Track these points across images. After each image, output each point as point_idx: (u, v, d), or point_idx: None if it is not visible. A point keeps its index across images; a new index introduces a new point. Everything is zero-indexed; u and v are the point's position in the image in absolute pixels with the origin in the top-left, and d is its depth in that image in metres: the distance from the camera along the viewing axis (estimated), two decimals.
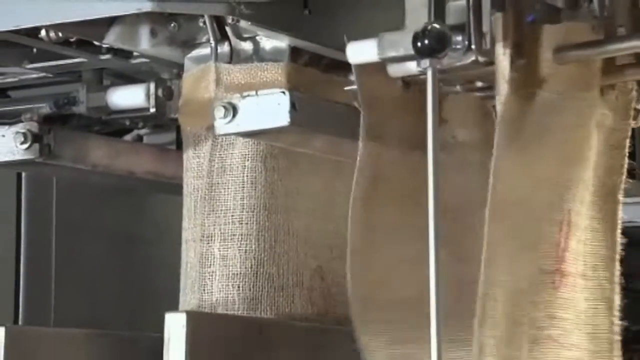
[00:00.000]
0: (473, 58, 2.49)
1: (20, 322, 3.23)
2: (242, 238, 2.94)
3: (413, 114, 2.68)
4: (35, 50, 3.03)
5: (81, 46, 2.95)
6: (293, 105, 2.61)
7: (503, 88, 2.55)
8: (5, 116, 3.20)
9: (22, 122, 2.91)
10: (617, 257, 2.73)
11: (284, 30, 2.78)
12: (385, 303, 2.74)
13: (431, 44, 2.50)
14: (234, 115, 2.65)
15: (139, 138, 3.22)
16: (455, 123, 2.75)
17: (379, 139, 2.70)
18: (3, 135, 2.93)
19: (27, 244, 3.34)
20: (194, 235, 2.96)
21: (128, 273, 3.50)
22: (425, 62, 2.50)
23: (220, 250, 2.99)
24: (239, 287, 2.94)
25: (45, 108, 3.03)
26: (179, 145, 3.02)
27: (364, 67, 2.61)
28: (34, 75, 3.22)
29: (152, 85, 2.98)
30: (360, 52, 2.55)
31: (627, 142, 2.77)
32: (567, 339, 2.64)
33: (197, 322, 2.63)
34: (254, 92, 2.66)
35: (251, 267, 2.94)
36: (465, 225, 2.64)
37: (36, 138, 2.91)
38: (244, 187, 2.94)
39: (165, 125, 3.16)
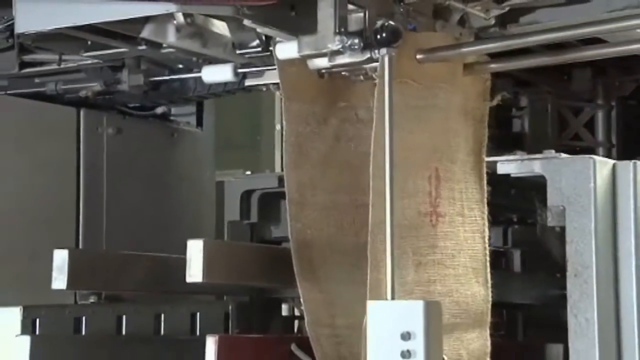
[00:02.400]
0: (368, 55, 2.60)
1: (80, 247, 3.27)
2: None
3: (326, 96, 2.76)
4: (89, 42, 3.00)
5: (124, 39, 2.96)
6: None
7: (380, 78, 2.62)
8: (67, 92, 3.27)
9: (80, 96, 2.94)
10: (485, 199, 2.82)
11: (275, 27, 2.73)
12: (318, 243, 2.76)
13: (388, 37, 2.59)
14: None
15: (168, 110, 3.24)
16: (358, 104, 2.81)
17: (299, 117, 2.75)
18: None
19: (85, 190, 3.36)
20: None
21: (162, 209, 3.50)
22: (383, 51, 2.58)
23: None
24: None
25: (97, 86, 3.08)
26: (199, 115, 3.04)
27: (286, 62, 2.70)
28: (89, 62, 3.23)
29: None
30: (285, 50, 2.68)
31: (487, 117, 2.85)
32: (451, 261, 2.72)
33: (212, 247, 2.61)
34: None
35: None
36: (363, 181, 2.65)
37: None
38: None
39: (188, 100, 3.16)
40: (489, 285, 2.78)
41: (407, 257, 2.52)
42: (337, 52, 2.56)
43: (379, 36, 2.60)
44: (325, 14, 2.55)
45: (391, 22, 2.61)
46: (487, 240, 2.78)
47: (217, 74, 3.07)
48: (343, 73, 2.73)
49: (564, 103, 3.71)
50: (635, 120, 3.71)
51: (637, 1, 2.62)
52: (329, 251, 2.71)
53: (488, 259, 2.78)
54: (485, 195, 2.80)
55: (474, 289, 2.76)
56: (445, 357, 2.47)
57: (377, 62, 2.57)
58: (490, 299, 2.79)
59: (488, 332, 2.77)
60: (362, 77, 2.76)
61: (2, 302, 2.93)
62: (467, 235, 2.74)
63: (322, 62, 2.63)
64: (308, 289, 2.64)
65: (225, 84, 3.21)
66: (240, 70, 3.04)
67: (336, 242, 2.72)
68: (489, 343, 2.78)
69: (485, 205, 2.79)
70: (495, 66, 2.84)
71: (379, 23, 2.62)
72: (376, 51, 2.56)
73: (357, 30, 2.57)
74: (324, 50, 2.56)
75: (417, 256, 2.62)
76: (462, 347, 2.73)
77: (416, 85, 2.65)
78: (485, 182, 2.80)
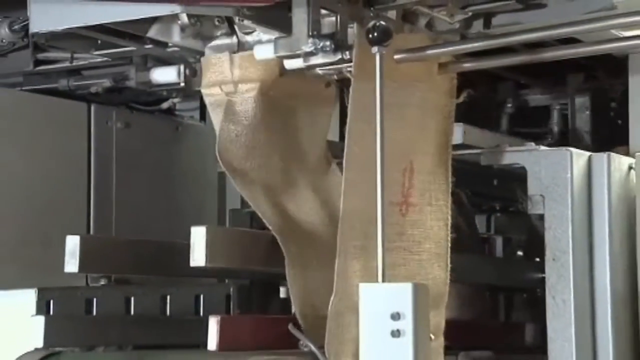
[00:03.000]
0: (340, 56, 2.63)
1: (91, 233, 3.27)
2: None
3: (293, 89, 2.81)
4: (99, 41, 2.98)
5: (132, 38, 2.94)
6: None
7: (355, 77, 2.64)
8: (78, 88, 3.26)
9: (91, 92, 2.93)
10: (450, 190, 2.84)
11: (273, 27, 2.72)
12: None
13: (379, 36, 2.57)
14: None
15: (173, 105, 3.23)
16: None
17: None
18: None
19: (96, 179, 3.35)
20: None
21: (167, 198, 3.49)
22: (375, 49, 2.56)
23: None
24: None
25: (106, 82, 3.07)
26: (202, 110, 3.04)
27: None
28: (99, 59, 3.22)
29: (182, 67, 2.97)
30: (262, 51, 2.72)
31: (453, 113, 2.86)
32: (417, 248, 2.74)
33: (214, 233, 2.60)
34: None
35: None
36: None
37: None
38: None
39: (192, 95, 3.13)
40: (449, 269, 2.80)
41: (375, 243, 2.49)
42: (310, 54, 2.58)
43: (370, 35, 2.58)
44: (299, 19, 2.59)
45: (382, 23, 2.59)
46: (449, 228, 2.80)
47: None
48: (319, 71, 2.76)
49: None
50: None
51: (610, 4, 2.63)
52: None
53: (449, 245, 2.80)
54: (450, 186, 2.81)
55: (435, 272, 2.78)
56: (432, 336, 2.49)
57: (349, 62, 2.60)
58: (448, 281, 2.81)
59: (444, 311, 2.80)
60: (335, 76, 2.80)
61: (19, 284, 2.96)
62: (432, 224, 2.77)
63: (297, 63, 2.66)
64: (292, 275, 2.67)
65: None
66: None
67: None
68: (443, 321, 2.80)
69: (450, 195, 2.81)
70: (469, 65, 2.86)
71: (371, 23, 2.60)
72: (347, 52, 2.61)
73: (329, 33, 2.61)
74: (298, 52, 2.59)
75: (386, 242, 2.55)
76: None
77: (394, 84, 2.65)
78: (450, 173, 2.82)
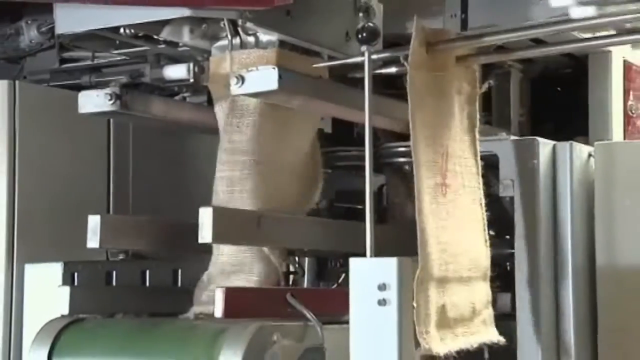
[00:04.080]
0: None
1: (110, 212, 3.26)
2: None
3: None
4: (118, 41, 2.97)
5: (146, 39, 2.94)
6: (280, 76, 2.59)
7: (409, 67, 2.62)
8: (99, 84, 3.25)
9: (109, 87, 2.88)
10: (480, 172, 2.84)
11: (274, 29, 2.75)
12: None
13: (368, 36, 2.60)
14: (242, 82, 2.61)
15: (183, 98, 3.20)
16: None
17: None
18: (97, 95, 2.86)
19: (114, 165, 3.33)
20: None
21: (179, 183, 3.46)
22: (363, 48, 2.58)
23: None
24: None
25: (124, 79, 3.02)
26: (209, 103, 2.98)
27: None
28: (117, 58, 3.23)
29: (191, 65, 2.94)
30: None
31: (477, 101, 2.86)
32: (460, 225, 2.73)
33: (220, 213, 2.58)
34: (255, 68, 2.63)
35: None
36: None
37: (118, 97, 2.83)
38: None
39: (200, 90, 3.09)
40: (488, 244, 2.81)
41: (431, 219, 2.52)
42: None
43: (359, 36, 2.60)
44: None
45: (370, 24, 2.61)
46: (483, 207, 2.80)
47: None
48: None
49: None
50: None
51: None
52: None
53: (485, 223, 2.79)
54: (480, 168, 2.81)
55: (479, 248, 2.78)
56: (415, 304, 2.51)
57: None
58: (489, 255, 2.81)
59: (489, 284, 2.81)
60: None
61: (46, 258, 2.96)
62: (468, 203, 2.76)
63: (588, 12, 2.47)
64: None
65: None
66: None
67: None
68: (490, 292, 2.82)
69: (480, 177, 2.81)
70: (483, 58, 2.88)
71: (361, 24, 2.61)
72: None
73: None
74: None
75: (439, 220, 2.61)
76: (474, 296, 2.76)
77: (429, 75, 2.64)
78: (479, 157, 2.81)
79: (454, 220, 2.70)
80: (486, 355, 2.81)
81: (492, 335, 2.78)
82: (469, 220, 2.76)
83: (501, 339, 2.80)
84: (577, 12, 2.50)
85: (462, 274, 2.68)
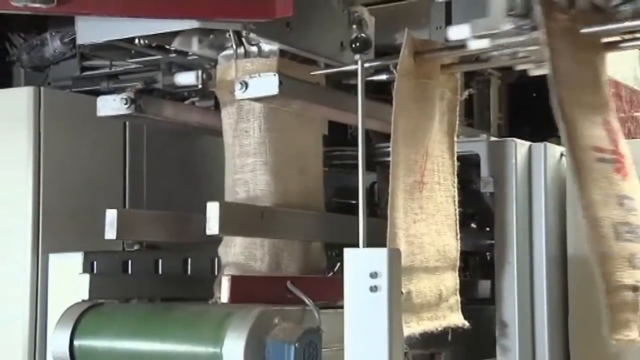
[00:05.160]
0: (534, 36, 2.38)
1: (126, 207, 3.24)
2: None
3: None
4: (133, 51, 2.96)
5: (159, 49, 2.93)
6: (280, 82, 2.57)
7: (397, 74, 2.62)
8: (116, 89, 3.23)
9: (125, 92, 2.87)
10: (456, 171, 2.84)
11: (275, 39, 2.73)
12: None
13: (361, 46, 2.60)
14: (246, 88, 2.59)
15: (192, 103, 3.18)
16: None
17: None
18: (114, 100, 2.85)
19: (130, 164, 3.30)
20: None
21: (190, 181, 3.44)
22: (357, 57, 2.58)
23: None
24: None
25: (139, 85, 2.98)
26: (217, 107, 2.96)
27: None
28: (133, 66, 3.22)
29: (200, 72, 2.95)
30: (457, 33, 2.59)
31: (458, 107, 2.86)
32: (432, 219, 2.74)
33: (226, 208, 2.57)
34: (257, 75, 2.61)
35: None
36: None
37: (133, 101, 2.83)
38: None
39: (208, 95, 3.08)
40: (459, 238, 2.82)
41: (404, 215, 2.54)
42: (505, 34, 2.35)
43: (353, 45, 2.60)
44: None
45: (363, 35, 2.62)
46: (456, 203, 2.81)
47: None
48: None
49: None
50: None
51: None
52: None
53: (457, 218, 2.81)
54: (456, 168, 2.82)
55: (448, 240, 2.79)
56: (403, 290, 2.51)
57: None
58: (459, 248, 2.82)
59: (457, 273, 2.82)
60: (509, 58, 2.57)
61: (68, 248, 2.96)
62: (442, 200, 2.77)
63: (483, 44, 2.46)
64: None
65: None
66: None
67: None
68: (458, 281, 2.82)
69: (456, 176, 2.82)
70: (466, 66, 2.87)
71: (354, 35, 2.62)
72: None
73: (524, 12, 2.32)
74: (495, 31, 2.36)
75: (411, 214, 2.63)
76: (442, 284, 2.76)
77: (415, 81, 2.65)
78: (455, 158, 2.83)
79: (425, 215, 2.71)
80: (449, 338, 2.79)
81: (457, 320, 2.79)
82: (441, 215, 2.77)
83: (466, 323, 2.81)
84: (474, 44, 2.50)
85: (429, 264, 2.69)
